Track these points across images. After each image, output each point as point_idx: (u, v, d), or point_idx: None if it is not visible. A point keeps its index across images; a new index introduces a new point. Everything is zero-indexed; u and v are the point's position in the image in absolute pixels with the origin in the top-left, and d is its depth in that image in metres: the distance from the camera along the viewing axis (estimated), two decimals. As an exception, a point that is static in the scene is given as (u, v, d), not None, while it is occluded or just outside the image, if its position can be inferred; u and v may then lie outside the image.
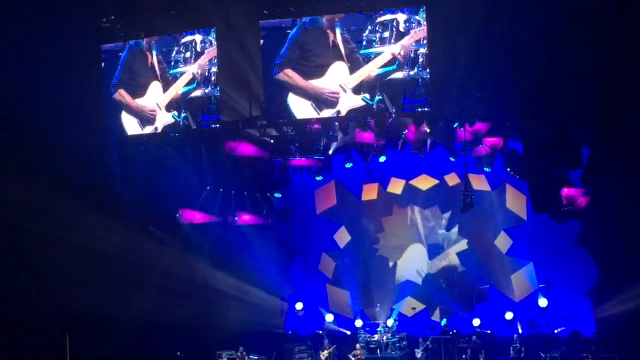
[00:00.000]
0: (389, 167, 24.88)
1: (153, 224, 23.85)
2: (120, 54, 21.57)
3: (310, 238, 26.53)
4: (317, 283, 26.28)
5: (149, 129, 21.78)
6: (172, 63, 20.66)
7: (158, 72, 21.03)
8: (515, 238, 24.37)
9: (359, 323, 25.06)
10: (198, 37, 20.07)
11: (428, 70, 18.52)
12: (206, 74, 20.15)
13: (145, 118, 21.61)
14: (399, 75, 18.29)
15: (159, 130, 21.67)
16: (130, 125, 22.00)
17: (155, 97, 21.40)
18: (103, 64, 21.90)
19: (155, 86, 21.30)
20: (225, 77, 20.90)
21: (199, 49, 20.15)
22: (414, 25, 17.86)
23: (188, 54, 20.33)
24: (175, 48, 20.58)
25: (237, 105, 21.31)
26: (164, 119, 21.41)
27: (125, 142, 22.55)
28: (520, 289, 24.39)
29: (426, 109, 18.95)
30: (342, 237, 26.18)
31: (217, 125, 21.05)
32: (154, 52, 21.01)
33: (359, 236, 26.05)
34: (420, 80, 18.14)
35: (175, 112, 21.05)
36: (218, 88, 20.28)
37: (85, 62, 22.03)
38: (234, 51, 20.76)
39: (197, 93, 20.55)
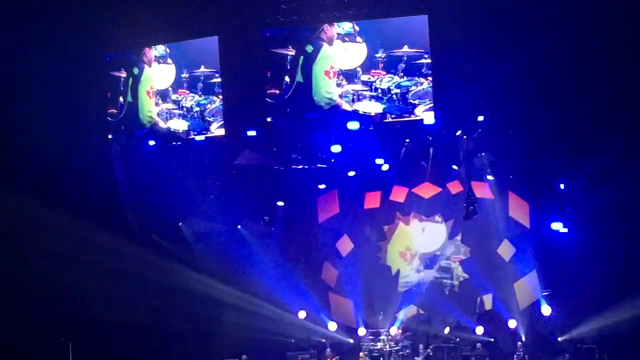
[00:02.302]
0: (392, 175, 24.86)
1: (156, 232, 23.87)
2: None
3: (313, 246, 26.47)
4: (319, 291, 26.20)
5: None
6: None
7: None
8: (519, 246, 24.30)
9: (362, 331, 24.99)
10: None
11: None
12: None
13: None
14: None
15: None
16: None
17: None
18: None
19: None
20: (229, 85, 21.10)
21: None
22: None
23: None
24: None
25: (241, 114, 21.45)
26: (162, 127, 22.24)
27: (128, 150, 22.71)
28: (523, 297, 24.30)
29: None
30: (345, 245, 26.13)
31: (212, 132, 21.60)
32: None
33: (361, 245, 25.99)
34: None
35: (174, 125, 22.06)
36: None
37: (90, 70, 22.13)
38: (238, 60, 20.93)
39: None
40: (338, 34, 20.24)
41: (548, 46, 18.34)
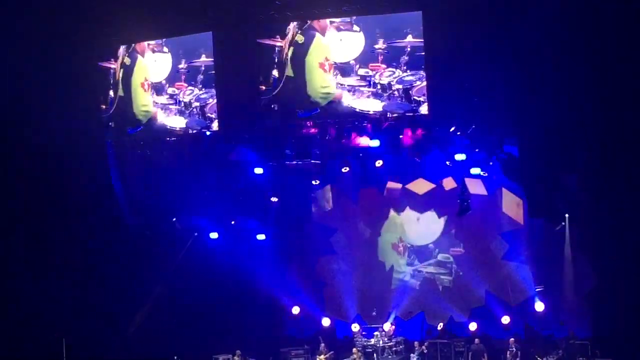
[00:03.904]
0: (386, 171, 24.87)
1: (150, 229, 23.85)
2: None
3: (307, 242, 26.47)
4: (313, 287, 26.22)
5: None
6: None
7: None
8: (511, 242, 24.36)
9: (355, 327, 25.01)
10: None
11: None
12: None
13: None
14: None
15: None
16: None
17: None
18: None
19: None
20: (223, 81, 20.95)
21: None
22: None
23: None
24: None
25: (235, 110, 21.37)
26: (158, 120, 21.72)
27: (122, 146, 22.63)
28: (516, 293, 24.38)
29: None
30: (339, 241, 26.16)
31: (213, 130, 21.09)
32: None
33: (355, 240, 26.03)
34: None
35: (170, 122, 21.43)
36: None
37: (83, 65, 22.04)
38: (232, 55, 20.77)
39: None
40: (331, 21, 18.86)
41: (544, 41, 18.38)
